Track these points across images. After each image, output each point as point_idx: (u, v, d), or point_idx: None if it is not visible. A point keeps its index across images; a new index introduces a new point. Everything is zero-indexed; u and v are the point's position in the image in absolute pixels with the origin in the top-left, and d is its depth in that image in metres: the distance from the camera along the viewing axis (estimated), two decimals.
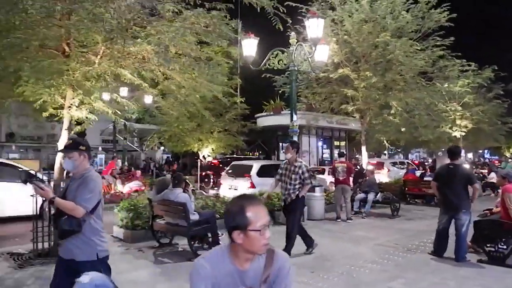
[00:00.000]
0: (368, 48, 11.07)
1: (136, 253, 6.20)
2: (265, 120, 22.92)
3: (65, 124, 6.44)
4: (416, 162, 27.99)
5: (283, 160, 6.57)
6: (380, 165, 17.69)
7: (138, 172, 15.36)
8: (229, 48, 12.53)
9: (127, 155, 25.09)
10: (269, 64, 9.66)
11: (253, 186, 10.51)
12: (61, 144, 6.50)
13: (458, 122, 17.47)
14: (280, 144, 25.55)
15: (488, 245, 5.60)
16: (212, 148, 18.66)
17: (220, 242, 6.35)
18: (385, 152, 31.70)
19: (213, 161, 19.19)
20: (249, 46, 8.96)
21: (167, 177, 8.57)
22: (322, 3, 12.06)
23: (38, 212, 5.96)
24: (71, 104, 6.41)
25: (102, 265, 2.80)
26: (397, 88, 11.42)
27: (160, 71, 6.85)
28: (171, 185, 6.23)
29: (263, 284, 1.76)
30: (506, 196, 5.56)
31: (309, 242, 6.25)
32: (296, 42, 9.28)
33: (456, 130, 17.65)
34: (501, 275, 5.02)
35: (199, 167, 17.78)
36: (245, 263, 1.78)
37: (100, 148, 28.02)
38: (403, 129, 14.89)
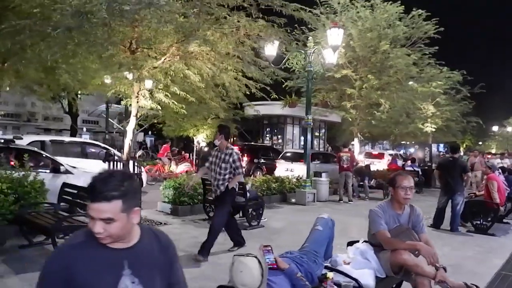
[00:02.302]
0: (368, 53, 12.64)
1: (194, 223, 7.35)
2: (252, 109, 24.20)
3: (133, 111, 7.42)
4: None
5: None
6: (381, 156, 19.88)
7: (187, 155, 16.94)
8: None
9: (108, 136, 25.39)
10: (288, 63, 10.96)
11: None
12: (130, 129, 7.52)
13: (429, 119, 19.69)
14: (265, 131, 27.16)
15: (475, 219, 7.34)
16: (207, 134, 19.66)
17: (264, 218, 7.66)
18: (352, 143, 34.20)
19: (235, 147, 20.09)
20: (271, 47, 10.17)
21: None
22: (327, 7, 13.39)
23: None
24: (138, 94, 7.39)
25: None
26: (391, 89, 13.13)
27: (212, 70, 7.95)
28: None
29: (409, 223, 3.14)
30: (490, 183, 7.30)
31: (239, 241, 5.55)
32: (313, 46, 10.62)
33: (427, 126, 19.86)
34: (487, 240, 6.76)
35: (195, 152, 18.74)
36: (399, 209, 3.15)
37: (84, 129, 28.03)
38: (383, 125, 16.77)
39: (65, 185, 5.62)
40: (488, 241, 6.75)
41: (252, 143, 22.95)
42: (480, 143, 45.37)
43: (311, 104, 10.84)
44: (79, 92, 16.96)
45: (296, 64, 10.77)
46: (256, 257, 2.15)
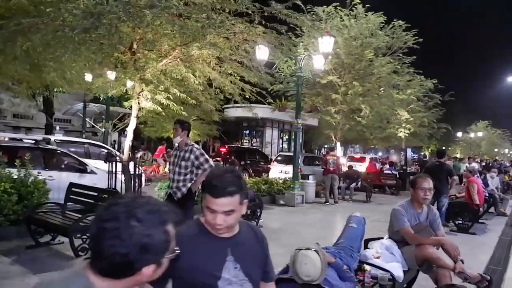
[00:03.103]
0: (353, 61, 13.17)
1: None
2: (232, 112, 24.45)
3: (134, 112, 7.43)
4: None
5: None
6: (362, 159, 20.44)
7: None
8: None
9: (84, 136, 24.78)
10: (278, 68, 11.24)
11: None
12: (130, 129, 7.52)
13: (403, 125, 20.64)
14: (244, 133, 27.41)
15: (458, 219, 7.89)
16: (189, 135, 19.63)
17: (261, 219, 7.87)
18: (325, 145, 35.14)
19: (221, 149, 19.86)
20: (263, 51, 10.43)
21: (220, 163, 9.78)
22: (313, 15, 13.82)
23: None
24: (139, 95, 7.42)
25: None
26: (373, 96, 13.74)
27: (211, 74, 8.10)
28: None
29: (427, 221, 3.46)
30: (470, 185, 7.88)
31: None
32: (302, 54, 10.94)
33: (401, 131, 20.80)
34: (470, 239, 7.31)
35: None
36: (419, 209, 3.46)
37: (57, 128, 27.10)
38: (364, 129, 17.45)
39: (72, 185, 5.59)
40: (471, 239, 7.29)
41: (238, 145, 23.05)
42: (444, 148, 47.80)
43: (300, 108, 11.18)
44: (59, 90, 16.59)
45: (287, 69, 11.05)
46: (316, 250, 2.37)
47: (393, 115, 17.71)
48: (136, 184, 6.80)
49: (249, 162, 15.89)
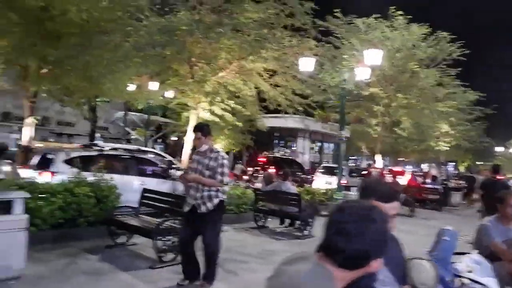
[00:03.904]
0: (396, 73, 13.16)
1: (247, 232, 7.63)
2: (267, 121, 24.75)
3: (191, 122, 7.79)
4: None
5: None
6: (402, 172, 20.31)
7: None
8: None
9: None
10: (321, 80, 11.41)
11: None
12: (188, 139, 7.87)
13: (442, 138, 20.20)
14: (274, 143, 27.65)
15: None
16: (224, 144, 19.97)
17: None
18: (350, 157, 34.72)
19: (261, 159, 20.11)
20: (307, 63, 10.63)
21: (271, 172, 10.03)
22: (353, 26, 13.88)
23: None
24: (197, 106, 7.77)
25: None
26: (417, 108, 13.67)
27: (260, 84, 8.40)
28: (279, 179, 7.75)
29: None
30: None
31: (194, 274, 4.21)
32: (347, 65, 11.06)
33: (440, 145, 20.34)
34: None
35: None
36: (507, 224, 3.51)
37: (98, 135, 28.20)
38: (402, 141, 17.23)
39: (145, 190, 5.93)
40: None
41: (276, 155, 23.20)
42: (479, 162, 46.10)
43: (345, 120, 11.26)
44: (103, 100, 17.39)
45: (330, 80, 11.20)
46: (429, 260, 2.50)
47: (432, 128, 17.43)
48: None
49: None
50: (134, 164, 7.33)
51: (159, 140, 29.82)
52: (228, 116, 8.28)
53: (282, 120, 22.71)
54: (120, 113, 23.26)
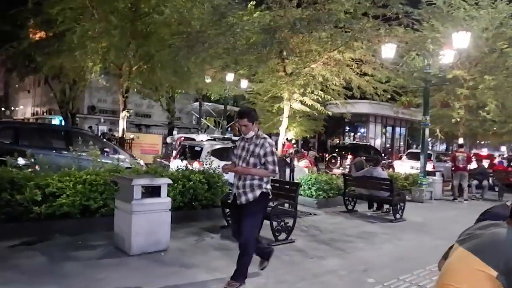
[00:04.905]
0: (482, 53, 12.52)
1: (339, 215, 8.03)
2: (334, 108, 24.68)
3: (285, 113, 8.32)
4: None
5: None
6: (489, 157, 19.74)
7: (306, 153, 18.30)
8: None
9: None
10: (404, 65, 11.27)
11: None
12: (282, 129, 8.42)
13: None
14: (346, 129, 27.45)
15: None
16: (296, 132, 20.33)
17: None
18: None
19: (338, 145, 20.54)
20: (389, 50, 10.55)
21: (362, 158, 10.43)
22: (434, 7, 13.33)
23: None
24: (290, 98, 8.27)
25: None
26: (506, 89, 12.92)
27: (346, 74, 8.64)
28: (371, 165, 8.03)
29: None
30: None
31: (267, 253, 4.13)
32: (432, 49, 10.79)
33: None
34: None
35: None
36: None
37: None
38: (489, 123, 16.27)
39: None
40: None
41: (353, 142, 23.21)
42: None
43: (428, 105, 11.08)
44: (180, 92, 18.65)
45: (414, 65, 11.02)
46: None
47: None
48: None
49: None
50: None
51: (229, 129, 30.94)
52: (318, 106, 8.66)
53: (353, 105, 22.53)
54: (195, 104, 24.68)
